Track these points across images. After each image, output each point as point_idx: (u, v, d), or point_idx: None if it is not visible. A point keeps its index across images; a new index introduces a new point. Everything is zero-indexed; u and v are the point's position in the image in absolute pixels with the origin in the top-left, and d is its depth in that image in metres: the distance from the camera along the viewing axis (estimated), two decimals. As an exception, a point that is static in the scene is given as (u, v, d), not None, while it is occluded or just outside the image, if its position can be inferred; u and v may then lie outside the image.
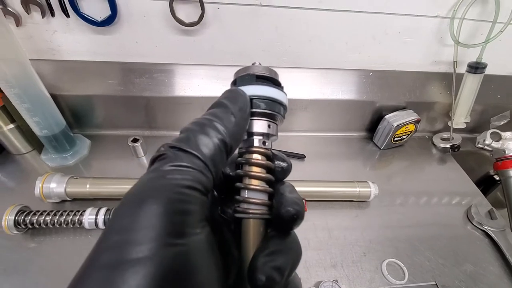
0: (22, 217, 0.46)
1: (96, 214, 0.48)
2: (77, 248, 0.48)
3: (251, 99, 0.19)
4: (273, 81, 0.21)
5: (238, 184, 0.19)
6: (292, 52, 0.64)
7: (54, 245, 0.48)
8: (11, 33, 0.46)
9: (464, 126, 0.71)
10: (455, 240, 0.55)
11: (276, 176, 0.20)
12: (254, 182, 0.19)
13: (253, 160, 0.19)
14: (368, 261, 0.50)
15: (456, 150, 0.71)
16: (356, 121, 0.75)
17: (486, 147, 0.75)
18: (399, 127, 0.68)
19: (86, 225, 0.48)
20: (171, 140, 0.16)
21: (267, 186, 0.19)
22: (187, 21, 0.55)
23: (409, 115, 0.69)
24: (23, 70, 0.50)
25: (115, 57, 0.61)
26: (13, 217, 0.46)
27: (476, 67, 0.64)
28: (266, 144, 0.20)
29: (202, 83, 0.64)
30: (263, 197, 0.19)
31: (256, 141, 0.19)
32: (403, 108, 0.71)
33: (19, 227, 0.47)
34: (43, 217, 0.47)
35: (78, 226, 0.48)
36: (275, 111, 0.20)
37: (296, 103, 0.68)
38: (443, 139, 0.77)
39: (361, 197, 0.58)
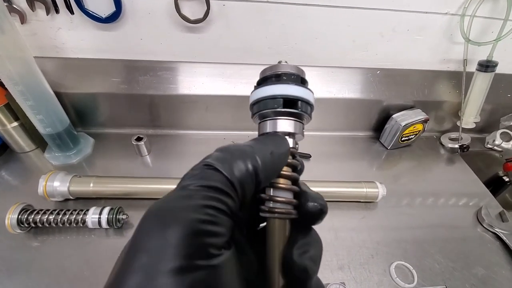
0: (25, 216, 0.46)
1: (100, 214, 0.48)
2: (80, 248, 0.48)
3: (276, 98, 0.19)
4: (299, 79, 0.20)
5: None
6: (298, 50, 0.63)
7: (57, 244, 0.48)
8: (16, 31, 0.46)
9: (473, 126, 0.70)
10: (465, 243, 0.54)
11: None
12: (282, 181, 0.18)
13: None
14: (376, 263, 0.49)
15: (465, 150, 0.70)
16: (362, 120, 0.73)
17: (495, 147, 0.74)
18: (406, 126, 0.66)
19: (90, 225, 0.48)
20: (207, 156, 0.17)
21: (293, 185, 0.19)
22: (192, 18, 0.55)
23: (417, 115, 0.67)
24: (28, 68, 0.49)
25: (119, 54, 0.61)
26: (16, 216, 0.45)
27: (486, 66, 0.63)
28: (291, 142, 0.19)
29: (206, 81, 0.63)
30: (290, 196, 0.18)
31: None
32: (411, 107, 0.70)
33: (22, 226, 0.46)
34: (46, 216, 0.47)
35: (81, 225, 0.48)
36: (301, 110, 0.19)
37: (302, 102, 0.67)
38: (452, 139, 0.75)
39: (369, 198, 0.57)
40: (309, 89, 0.20)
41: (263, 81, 0.21)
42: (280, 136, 0.19)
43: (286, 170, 0.19)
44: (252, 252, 0.19)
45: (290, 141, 0.19)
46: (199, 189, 0.15)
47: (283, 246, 0.17)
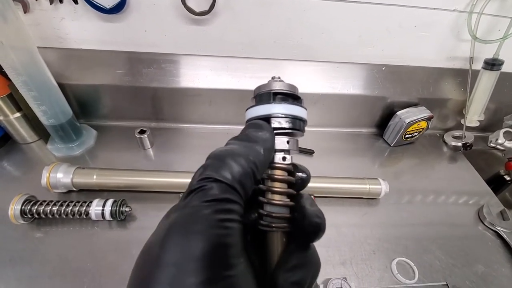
0: (29, 207, 0.46)
1: (103, 206, 0.48)
2: (83, 239, 0.48)
3: (272, 117, 0.20)
4: (293, 97, 0.21)
5: (261, 198, 0.20)
6: (303, 45, 0.62)
7: (60, 236, 0.48)
8: (20, 20, 0.45)
9: (477, 124, 0.70)
10: (466, 240, 0.54)
11: (296, 187, 0.20)
12: (276, 197, 0.19)
13: (275, 176, 0.20)
14: (378, 259, 0.50)
15: (469, 148, 0.70)
16: (366, 117, 0.73)
17: (498, 146, 0.74)
18: (410, 124, 0.66)
19: (93, 216, 0.48)
20: (203, 166, 0.17)
21: (288, 200, 0.20)
22: (197, 10, 0.54)
23: (422, 112, 0.67)
24: (31, 58, 0.49)
25: (123, 46, 0.60)
26: (20, 207, 0.45)
27: (492, 64, 0.62)
28: (287, 159, 0.20)
29: (210, 74, 0.63)
30: (285, 211, 0.19)
31: (278, 157, 0.20)
32: (415, 105, 0.69)
33: (26, 216, 0.46)
34: (50, 207, 0.47)
35: (84, 217, 0.48)
36: (295, 128, 0.20)
37: (306, 97, 0.66)
38: (455, 137, 0.75)
39: (371, 195, 0.57)
40: (301, 106, 0.21)
41: (257, 99, 0.22)
42: (263, 128, 0.19)
43: (281, 187, 0.20)
44: (256, 257, 0.19)
45: (281, 157, 0.20)
46: (210, 204, 0.15)
47: (277, 258, 0.18)
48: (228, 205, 0.16)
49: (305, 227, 0.18)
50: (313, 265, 0.18)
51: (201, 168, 0.17)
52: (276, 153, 0.20)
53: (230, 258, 0.15)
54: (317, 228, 0.18)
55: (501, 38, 0.60)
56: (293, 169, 0.21)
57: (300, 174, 0.21)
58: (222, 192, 0.16)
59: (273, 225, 0.19)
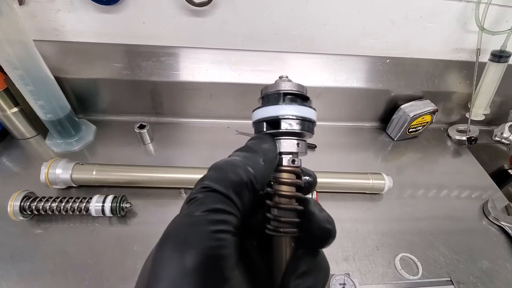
0: (28, 203, 0.45)
1: (103, 202, 0.47)
2: (83, 235, 0.47)
3: (282, 119, 0.19)
4: (302, 97, 0.20)
5: (268, 202, 0.19)
6: (306, 37, 0.61)
7: (60, 232, 0.47)
8: (15, 12, 0.44)
9: (483, 117, 0.69)
10: (470, 235, 0.54)
11: (303, 191, 0.20)
12: (284, 200, 0.19)
13: (282, 179, 0.19)
14: (381, 255, 0.49)
15: (473, 142, 0.69)
16: (369, 110, 0.72)
17: (503, 140, 0.73)
18: (415, 117, 0.65)
19: (93, 213, 0.47)
20: (203, 177, 0.17)
21: (297, 204, 0.19)
22: (197, 0, 0.52)
23: (426, 105, 0.66)
24: (27, 51, 0.48)
25: (120, 38, 0.59)
26: (19, 203, 0.45)
27: (500, 56, 0.61)
28: (295, 162, 0.19)
29: (211, 67, 0.61)
30: (293, 216, 0.19)
31: (286, 160, 0.19)
32: (419, 98, 0.68)
33: (25, 213, 0.46)
34: (49, 204, 0.46)
35: (84, 213, 0.47)
36: (304, 129, 0.19)
37: (308, 90, 0.65)
38: (459, 131, 0.74)
39: (375, 190, 0.56)
40: (310, 107, 0.20)
41: (264, 100, 0.21)
42: (266, 140, 0.19)
43: (289, 191, 0.19)
44: (262, 261, 0.19)
45: (290, 159, 0.19)
46: (204, 215, 0.15)
47: (285, 263, 0.18)
48: (222, 215, 0.15)
49: (314, 233, 0.18)
50: (323, 271, 0.18)
51: (201, 178, 0.17)
52: (285, 156, 0.19)
53: (224, 271, 0.14)
54: (328, 234, 0.17)
55: (509, 30, 0.58)
56: (301, 172, 0.20)
57: (306, 177, 0.20)
58: (216, 202, 0.15)
59: (281, 230, 0.18)
